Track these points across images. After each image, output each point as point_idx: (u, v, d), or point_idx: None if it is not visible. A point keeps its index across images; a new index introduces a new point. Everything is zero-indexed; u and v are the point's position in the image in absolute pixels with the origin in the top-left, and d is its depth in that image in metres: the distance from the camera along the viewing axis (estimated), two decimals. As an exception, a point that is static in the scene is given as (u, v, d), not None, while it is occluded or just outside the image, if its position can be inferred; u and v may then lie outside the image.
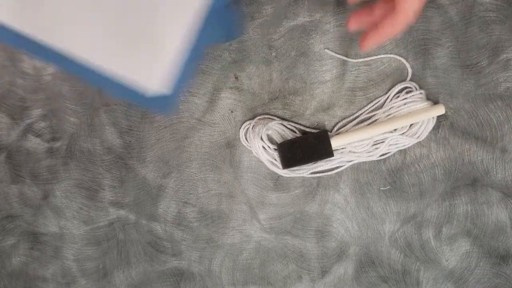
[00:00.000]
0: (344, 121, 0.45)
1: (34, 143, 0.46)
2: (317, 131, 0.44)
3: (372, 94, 0.44)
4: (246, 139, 0.45)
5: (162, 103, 0.31)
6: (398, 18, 0.30)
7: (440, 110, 0.43)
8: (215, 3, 0.30)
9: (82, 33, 0.30)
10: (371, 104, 0.44)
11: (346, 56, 0.43)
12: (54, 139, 0.46)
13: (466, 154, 0.44)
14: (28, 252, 0.48)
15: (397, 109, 0.43)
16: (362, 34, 0.32)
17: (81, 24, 0.30)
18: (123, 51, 0.30)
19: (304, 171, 0.44)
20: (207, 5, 0.29)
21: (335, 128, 0.45)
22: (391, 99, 0.44)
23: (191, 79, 0.31)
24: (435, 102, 0.44)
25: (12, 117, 0.45)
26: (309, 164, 0.44)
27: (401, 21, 0.30)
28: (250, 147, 0.45)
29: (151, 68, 0.30)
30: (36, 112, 0.45)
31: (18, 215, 0.47)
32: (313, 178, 0.45)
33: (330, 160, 0.44)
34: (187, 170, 0.46)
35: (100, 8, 0.30)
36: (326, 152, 0.43)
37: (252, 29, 0.43)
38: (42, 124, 0.45)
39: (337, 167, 0.45)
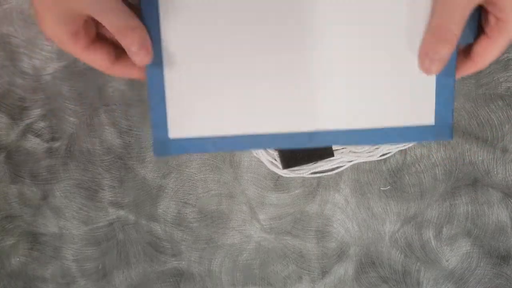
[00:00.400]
0: (344, 121, 0.44)
1: (33, 143, 0.46)
2: (317, 131, 0.44)
3: (373, 94, 0.44)
4: (246, 139, 0.45)
5: (441, 132, 0.32)
6: (474, 69, 0.31)
7: (441, 110, 0.43)
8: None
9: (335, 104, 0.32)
10: (372, 104, 0.44)
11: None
12: (53, 139, 0.45)
13: (466, 154, 0.44)
14: (28, 252, 0.48)
15: (398, 109, 0.43)
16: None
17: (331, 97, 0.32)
18: (383, 102, 0.32)
19: (304, 171, 0.44)
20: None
21: (335, 128, 0.45)
22: (391, 99, 0.44)
23: (454, 94, 0.33)
24: (436, 102, 0.44)
25: (11, 117, 0.45)
26: (309, 164, 0.44)
27: (474, 71, 0.31)
28: (250, 147, 0.45)
29: (414, 103, 0.32)
30: (36, 112, 0.45)
31: (17, 215, 0.47)
32: (313, 178, 0.45)
33: (330, 160, 0.44)
34: (187, 170, 0.46)
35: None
36: (326, 152, 0.43)
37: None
38: (42, 124, 0.45)
39: (337, 167, 0.45)
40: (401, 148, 0.44)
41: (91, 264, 0.48)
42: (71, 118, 0.45)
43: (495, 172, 0.44)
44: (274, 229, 0.46)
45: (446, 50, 0.28)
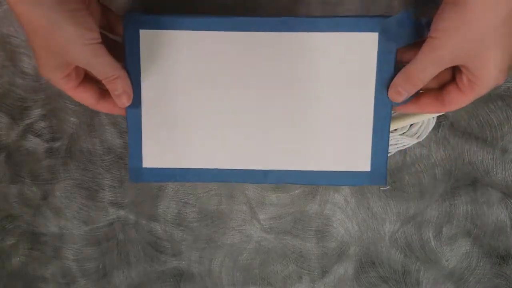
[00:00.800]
0: (344, 121, 0.44)
1: (34, 143, 0.46)
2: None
3: (372, 94, 0.44)
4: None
5: (376, 178, 0.38)
6: (443, 111, 0.36)
7: (440, 110, 0.43)
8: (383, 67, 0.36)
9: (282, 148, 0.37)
10: (371, 104, 0.44)
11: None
12: (54, 139, 0.46)
13: (466, 154, 0.44)
14: (28, 252, 0.48)
15: (397, 109, 0.43)
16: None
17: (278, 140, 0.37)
18: (328, 150, 0.37)
19: (304, 171, 0.44)
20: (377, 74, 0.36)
21: (335, 128, 0.45)
22: (391, 99, 0.44)
23: (388, 147, 0.38)
24: (435, 102, 0.44)
25: (12, 117, 0.45)
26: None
27: (444, 111, 0.36)
28: (250, 147, 0.45)
29: (353, 152, 0.37)
30: (36, 112, 0.45)
31: (18, 215, 0.47)
32: (313, 178, 0.45)
33: (330, 160, 0.44)
34: (187, 170, 0.46)
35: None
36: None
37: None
38: (42, 124, 0.45)
39: (337, 167, 0.45)
40: (401, 148, 0.44)
41: (91, 264, 0.48)
42: (71, 118, 0.45)
43: (495, 172, 0.44)
44: (274, 229, 0.46)
45: (411, 90, 0.34)
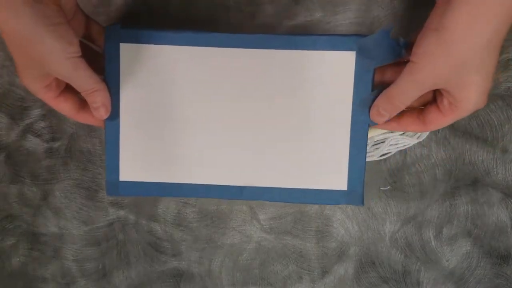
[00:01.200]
0: (344, 121, 0.44)
1: (33, 143, 0.46)
2: (317, 131, 0.44)
3: (373, 94, 0.44)
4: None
5: (352, 198, 0.38)
6: (424, 130, 0.35)
7: (441, 110, 0.42)
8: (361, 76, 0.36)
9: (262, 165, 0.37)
10: (372, 104, 0.44)
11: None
12: (53, 139, 0.45)
13: (466, 154, 0.44)
14: (28, 252, 0.48)
15: (398, 109, 0.43)
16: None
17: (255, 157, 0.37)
18: (305, 168, 0.37)
19: (304, 171, 0.44)
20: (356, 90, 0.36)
21: (335, 128, 0.44)
22: (391, 99, 0.44)
23: (365, 166, 0.38)
24: (436, 102, 0.44)
25: (11, 117, 0.45)
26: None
27: (426, 131, 0.36)
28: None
29: (330, 170, 0.37)
30: (36, 112, 0.45)
31: (18, 215, 0.47)
32: (313, 178, 0.45)
33: (330, 160, 0.44)
34: (187, 170, 0.46)
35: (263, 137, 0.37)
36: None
37: (253, 29, 0.43)
38: (42, 124, 0.45)
39: (337, 167, 0.45)
40: (401, 148, 0.44)
41: (91, 264, 0.48)
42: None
43: (495, 172, 0.44)
44: (274, 229, 0.46)
45: (392, 112, 0.34)
